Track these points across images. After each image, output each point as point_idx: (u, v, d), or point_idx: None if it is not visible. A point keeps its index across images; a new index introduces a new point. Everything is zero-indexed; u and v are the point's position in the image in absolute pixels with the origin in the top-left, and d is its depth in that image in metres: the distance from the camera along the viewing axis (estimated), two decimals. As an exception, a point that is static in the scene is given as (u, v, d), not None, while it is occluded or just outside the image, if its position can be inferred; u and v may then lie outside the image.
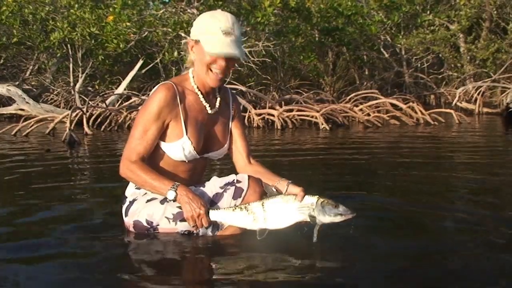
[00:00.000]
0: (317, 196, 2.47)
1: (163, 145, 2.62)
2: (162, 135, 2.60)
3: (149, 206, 2.62)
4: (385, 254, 2.41)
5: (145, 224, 2.63)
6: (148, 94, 11.15)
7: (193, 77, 2.68)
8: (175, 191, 2.48)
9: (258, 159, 2.86)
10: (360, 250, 2.45)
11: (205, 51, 2.54)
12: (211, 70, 2.59)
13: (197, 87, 2.68)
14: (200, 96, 2.67)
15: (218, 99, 2.77)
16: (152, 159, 2.62)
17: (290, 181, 2.60)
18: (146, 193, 2.66)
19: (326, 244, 2.49)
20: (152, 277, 2.23)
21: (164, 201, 2.60)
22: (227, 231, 2.58)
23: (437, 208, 3.24)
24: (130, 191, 2.72)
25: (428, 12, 16.44)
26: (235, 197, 2.54)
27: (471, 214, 3.06)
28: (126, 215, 2.70)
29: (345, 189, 3.95)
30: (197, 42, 2.58)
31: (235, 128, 2.84)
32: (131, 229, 2.67)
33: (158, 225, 2.61)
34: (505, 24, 15.79)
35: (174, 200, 2.49)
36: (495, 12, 15.54)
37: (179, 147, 2.60)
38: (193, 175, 2.69)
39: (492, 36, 15.72)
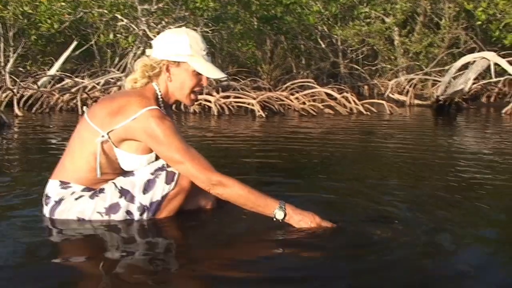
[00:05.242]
0: None
1: (122, 154, 2.54)
2: (129, 145, 2.53)
3: (79, 203, 2.56)
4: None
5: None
6: (82, 77, 10.88)
7: (160, 94, 2.63)
8: (284, 211, 2.46)
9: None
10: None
11: (191, 74, 2.58)
12: (193, 92, 2.62)
13: (164, 105, 2.65)
14: (164, 112, 2.62)
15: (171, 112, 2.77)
16: (93, 162, 2.54)
17: None
18: (74, 192, 2.57)
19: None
20: (95, 267, 2.20)
21: (93, 196, 2.55)
22: (162, 214, 2.61)
23: (363, 194, 3.36)
24: (55, 191, 2.60)
25: (365, 5, 16.74)
26: (167, 181, 2.55)
27: (393, 206, 3.17)
28: (52, 216, 2.61)
29: (278, 174, 4.01)
30: (179, 64, 2.57)
31: None
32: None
33: (90, 220, 2.56)
34: (438, 20, 16.26)
35: (282, 220, 2.47)
36: (429, 7, 15.97)
37: (142, 161, 2.56)
38: None
39: (425, 30, 16.15)
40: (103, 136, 2.50)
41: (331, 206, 3.01)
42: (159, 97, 2.62)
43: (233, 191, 2.47)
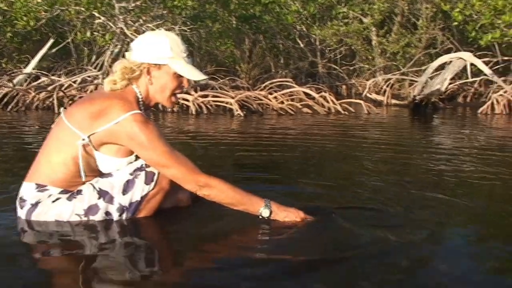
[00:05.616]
0: None
1: (102, 157, 2.51)
2: (109, 148, 2.50)
3: (57, 206, 2.51)
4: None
5: None
6: (59, 75, 10.75)
7: (141, 97, 2.60)
8: (270, 209, 2.51)
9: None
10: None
11: (172, 76, 2.56)
12: (173, 95, 2.61)
13: (144, 107, 2.62)
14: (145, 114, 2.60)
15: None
16: (75, 165, 2.50)
17: None
18: (51, 195, 2.52)
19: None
20: (75, 268, 2.16)
21: (71, 197, 2.51)
22: (141, 214, 2.59)
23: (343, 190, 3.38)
24: (31, 194, 2.53)
25: (343, 5, 16.80)
26: (147, 181, 2.53)
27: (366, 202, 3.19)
28: (29, 218, 2.54)
29: (257, 171, 4.01)
30: (160, 66, 2.55)
31: None
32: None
33: (68, 222, 2.52)
34: (415, 20, 16.39)
35: (268, 217, 2.52)
36: (407, 7, 16.09)
37: (122, 163, 2.53)
38: None
39: (403, 30, 16.27)
40: (83, 139, 2.46)
41: (312, 202, 3.04)
42: (140, 100, 2.60)
43: (220, 192, 2.50)
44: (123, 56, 2.67)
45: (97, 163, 2.53)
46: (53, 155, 2.53)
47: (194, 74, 2.60)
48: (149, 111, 2.80)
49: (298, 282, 1.98)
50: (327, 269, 2.13)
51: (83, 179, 2.52)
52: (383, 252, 2.29)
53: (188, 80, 2.63)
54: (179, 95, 2.70)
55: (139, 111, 2.47)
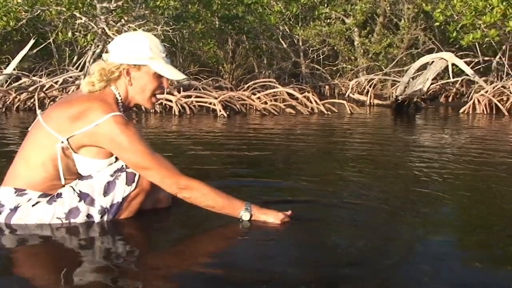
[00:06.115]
0: None
1: (81, 159, 2.48)
2: (89, 151, 2.47)
3: (37, 210, 2.47)
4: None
5: None
6: (40, 75, 10.63)
7: (120, 98, 2.57)
8: (250, 212, 2.51)
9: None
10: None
11: (152, 77, 2.54)
12: (153, 96, 2.60)
13: (123, 109, 2.59)
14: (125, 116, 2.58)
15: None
16: (54, 168, 2.47)
17: None
18: (30, 199, 2.48)
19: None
20: (56, 271, 2.14)
21: (51, 201, 2.48)
22: (123, 215, 2.58)
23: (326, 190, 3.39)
24: (10, 199, 2.49)
25: (326, 5, 16.85)
26: (128, 183, 2.51)
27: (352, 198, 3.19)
28: (8, 223, 2.50)
29: (241, 171, 4.00)
30: (139, 67, 2.52)
31: None
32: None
33: (49, 225, 2.49)
34: (397, 20, 16.47)
35: (248, 221, 2.51)
36: (389, 8, 16.17)
37: (102, 165, 2.51)
38: None
39: (385, 31, 16.34)
40: (62, 142, 2.43)
41: (293, 199, 3.08)
42: (119, 101, 2.57)
43: (201, 194, 2.48)
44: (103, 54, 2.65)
45: (76, 166, 2.50)
46: (31, 158, 2.49)
47: (174, 74, 2.59)
48: (131, 112, 2.79)
49: (278, 285, 1.98)
50: (306, 270, 2.12)
51: (63, 183, 2.49)
52: (363, 253, 2.29)
53: (168, 80, 2.62)
54: (160, 96, 2.68)
55: (119, 113, 2.45)
